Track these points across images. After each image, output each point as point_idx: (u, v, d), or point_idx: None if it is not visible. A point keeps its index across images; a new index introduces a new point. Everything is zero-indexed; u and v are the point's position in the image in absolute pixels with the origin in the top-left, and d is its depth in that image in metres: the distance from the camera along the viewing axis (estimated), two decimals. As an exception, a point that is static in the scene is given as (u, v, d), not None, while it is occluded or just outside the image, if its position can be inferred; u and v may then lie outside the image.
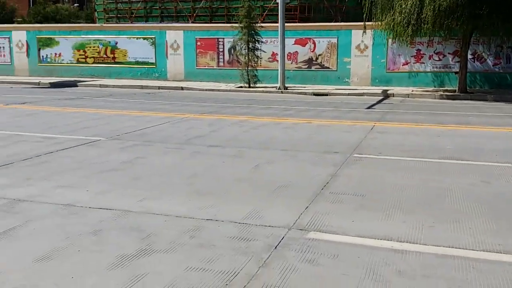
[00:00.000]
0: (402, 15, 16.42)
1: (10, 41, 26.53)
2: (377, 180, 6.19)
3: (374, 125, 10.79)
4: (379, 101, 16.61)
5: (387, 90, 19.45)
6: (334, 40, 21.92)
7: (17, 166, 6.69)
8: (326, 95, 18.99)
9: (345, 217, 4.79)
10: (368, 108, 14.64)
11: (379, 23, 17.80)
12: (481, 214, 4.90)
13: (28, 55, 26.35)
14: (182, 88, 21.29)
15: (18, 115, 12.04)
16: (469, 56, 19.23)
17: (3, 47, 26.67)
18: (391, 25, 17.15)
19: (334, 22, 26.65)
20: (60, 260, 3.73)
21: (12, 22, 45.74)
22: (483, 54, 20.06)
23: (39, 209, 4.89)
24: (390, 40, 20.04)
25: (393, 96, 18.34)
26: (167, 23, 30.31)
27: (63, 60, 25.84)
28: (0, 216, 4.66)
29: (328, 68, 22.16)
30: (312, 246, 4.07)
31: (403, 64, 21.02)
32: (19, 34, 26.53)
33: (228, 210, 4.99)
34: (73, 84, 22.47)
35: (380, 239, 4.22)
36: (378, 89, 19.76)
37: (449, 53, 20.39)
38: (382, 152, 7.85)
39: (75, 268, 3.59)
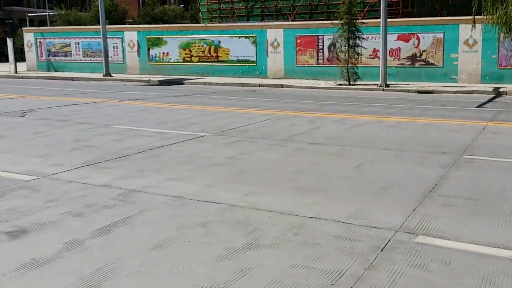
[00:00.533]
0: (516, 7, 15.32)
1: (122, 41, 28.36)
2: (492, 184, 5.81)
3: (486, 125, 10.14)
4: (490, 100, 15.57)
5: (499, 87, 18.17)
6: (440, 35, 20.88)
7: (131, 158, 7.15)
8: (431, 92, 18.16)
9: (457, 222, 4.55)
10: (479, 106, 13.78)
11: (490, 16, 16.71)
12: None
13: (138, 54, 28.00)
14: (282, 86, 21.46)
15: (131, 111, 12.86)
16: None
17: (117, 47, 28.57)
18: (504, 19, 16.08)
19: (440, 16, 25.41)
20: (172, 249, 3.93)
21: (124, 23, 48.86)
22: None
23: (152, 199, 5.19)
24: (502, 35, 18.68)
25: (506, 94, 17.09)
26: (268, 21, 30.71)
27: (170, 59, 27.14)
28: (118, 205, 5.01)
29: (433, 64, 21.17)
30: (421, 251, 3.92)
31: (518, 60, 19.55)
32: (131, 35, 28.26)
33: (332, 208, 4.95)
34: (179, 82, 23.53)
35: (497, 248, 3.96)
36: (488, 87, 18.52)
37: None
38: (496, 154, 7.36)
39: (186, 258, 3.76)
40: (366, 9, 30.06)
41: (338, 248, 3.96)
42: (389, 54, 20.95)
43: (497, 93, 17.28)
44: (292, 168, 6.63)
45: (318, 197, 5.32)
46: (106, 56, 26.25)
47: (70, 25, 45.15)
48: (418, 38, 21.34)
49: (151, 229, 4.36)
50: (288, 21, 30.93)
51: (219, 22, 34.30)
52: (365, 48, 21.25)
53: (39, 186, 5.61)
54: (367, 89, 19.46)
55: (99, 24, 27.06)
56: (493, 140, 8.51)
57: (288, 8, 33.21)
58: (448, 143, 8.22)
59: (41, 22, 61.72)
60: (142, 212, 4.78)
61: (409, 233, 4.29)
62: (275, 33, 24.56)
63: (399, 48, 21.67)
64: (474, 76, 20.35)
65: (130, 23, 51.32)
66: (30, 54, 31.52)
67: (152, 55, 27.61)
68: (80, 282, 3.34)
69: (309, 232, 4.31)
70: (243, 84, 22.16)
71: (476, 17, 17.44)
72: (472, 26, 18.12)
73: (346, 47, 20.57)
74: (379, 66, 19.95)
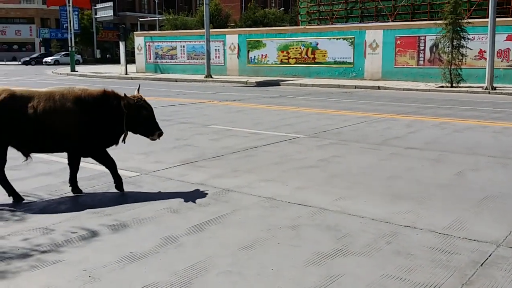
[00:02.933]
0: None
1: (224, 44, 29.28)
2: None
3: None
4: None
5: None
6: (557, 34, 19.21)
7: (227, 158, 7.35)
8: (545, 96, 16.76)
9: None
10: None
11: None
12: None
13: (238, 56, 28.74)
14: (378, 88, 20.93)
15: (229, 111, 13.23)
16: None
17: (218, 50, 29.56)
18: None
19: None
20: (262, 250, 3.98)
21: (226, 27, 50.37)
22: None
23: (244, 199, 5.30)
24: None
25: None
26: (367, 22, 30.10)
27: (268, 61, 27.56)
28: (212, 203, 5.18)
29: (548, 66, 19.53)
30: (526, 268, 3.63)
31: None
32: (232, 38, 29.09)
33: (427, 217, 4.74)
34: (276, 83, 23.79)
35: None
36: None
37: None
38: None
39: (275, 260, 3.80)
40: (473, 8, 28.42)
41: (433, 260, 3.79)
42: (496, 55, 19.67)
43: None
44: (386, 173, 6.44)
45: (413, 205, 5.12)
46: (209, 58, 27.25)
47: (177, 29, 47.42)
48: (532, 38, 19.80)
49: (242, 229, 4.46)
50: (389, 21, 30.08)
51: (318, 24, 34.19)
52: (470, 49, 20.13)
53: (141, 182, 5.95)
54: (471, 92, 18.40)
55: (203, 28, 28.15)
56: None
57: (389, 8, 32.29)
58: None
59: (151, 26, 65.50)
60: (234, 212, 4.90)
61: (513, 248, 4.00)
62: (374, 34, 24.02)
63: (508, 49, 20.27)
64: None
65: (232, 27, 52.82)
66: (140, 56, 33.55)
67: (251, 57, 28.19)
68: (174, 278, 3.50)
69: (402, 242, 4.16)
70: (338, 86, 21.91)
71: None
72: None
73: (450, 48, 19.63)
74: (485, 68, 18.80)
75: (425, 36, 22.46)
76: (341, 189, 5.70)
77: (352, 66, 24.74)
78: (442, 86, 19.82)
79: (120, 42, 32.23)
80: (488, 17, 18.62)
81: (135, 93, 5.55)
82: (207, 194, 5.48)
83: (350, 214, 4.83)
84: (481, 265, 3.71)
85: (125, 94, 5.36)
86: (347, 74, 24.78)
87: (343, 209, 4.98)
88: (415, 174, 6.43)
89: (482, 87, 18.78)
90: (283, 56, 26.94)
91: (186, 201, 5.22)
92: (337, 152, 7.79)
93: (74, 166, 5.44)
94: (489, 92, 18.15)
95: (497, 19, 18.86)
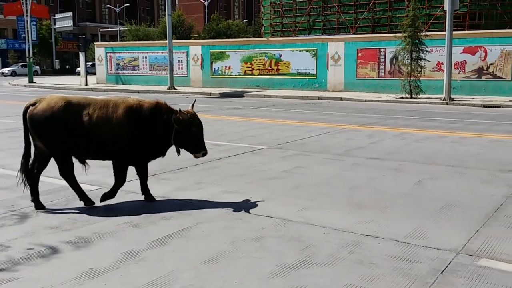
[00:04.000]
0: None
1: (187, 55, 29.17)
2: None
3: (559, 142, 9.56)
4: None
5: None
6: (509, 48, 20.06)
7: (190, 170, 7.29)
8: (499, 107, 17.39)
9: (524, 246, 4.29)
10: (552, 122, 13.03)
11: None
12: None
13: (202, 67, 28.68)
14: (341, 99, 21.25)
15: (190, 123, 13.11)
16: None
17: (181, 61, 29.42)
18: None
19: (509, 28, 24.37)
20: (225, 263, 3.94)
21: (189, 38, 50.22)
22: None
23: (208, 212, 5.25)
24: None
25: None
26: (329, 35, 30.65)
27: (232, 72, 27.61)
28: (175, 216, 5.10)
29: (501, 78, 20.31)
30: (484, 275, 3.72)
31: None
32: (195, 49, 29.03)
33: (389, 226, 4.81)
34: (240, 95, 23.83)
35: None
36: None
37: None
38: None
39: (238, 273, 3.76)
40: (431, 21, 29.34)
41: (395, 269, 3.84)
42: (454, 67, 20.32)
43: None
44: (348, 183, 6.52)
45: (375, 214, 5.19)
46: (172, 69, 27.09)
47: (139, 40, 47.02)
48: (485, 51, 20.57)
49: (205, 242, 4.41)
50: (350, 34, 30.68)
51: (281, 36, 34.56)
52: (429, 61, 20.71)
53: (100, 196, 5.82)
54: (430, 103, 18.90)
55: (166, 39, 28.00)
56: None
57: (350, 21, 32.98)
58: (517, 161, 7.81)
59: (112, 37, 64.71)
60: (197, 225, 4.84)
61: (471, 255, 4.09)
62: (336, 46, 24.43)
63: (464, 61, 20.97)
64: (547, 90, 19.33)
65: (195, 38, 52.75)
66: (100, 67, 33.04)
67: (214, 68, 28.19)
68: (135, 292, 3.42)
69: (364, 251, 4.20)
70: (302, 97, 22.13)
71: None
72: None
73: (409, 60, 20.15)
74: (443, 80, 19.38)
75: (386, 48, 22.99)
76: (305, 200, 5.73)
77: (315, 77, 25.05)
78: (402, 97, 20.29)
79: (80, 53, 31.72)
80: (445, 30, 19.23)
81: (189, 108, 5.55)
82: (170, 207, 5.41)
83: (314, 225, 4.85)
84: (441, 272, 3.77)
85: (180, 109, 5.41)
86: (311, 86, 25.07)
87: (306, 220, 4.99)
88: (377, 183, 6.52)
89: (440, 98, 19.33)
90: (247, 67, 27.05)
91: (148, 214, 5.14)
92: (300, 163, 7.84)
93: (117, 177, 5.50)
94: (447, 103, 18.69)
95: (454, 32, 19.50)
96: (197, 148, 5.57)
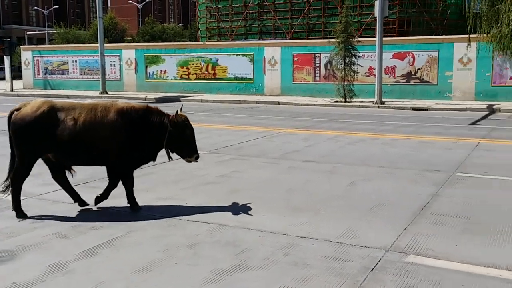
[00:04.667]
0: (510, 27, 15.56)
1: (120, 59, 28.46)
2: (483, 202, 5.77)
3: (479, 143, 10.13)
4: (484, 117, 15.60)
5: (493, 105, 18.26)
6: (435, 54, 21.04)
7: (123, 177, 7.08)
8: (426, 110, 18.19)
9: (448, 241, 4.50)
10: (472, 124, 13.80)
11: (484, 35, 16.99)
12: None
13: (136, 71, 28.08)
14: (278, 103, 21.49)
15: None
16: None
17: (114, 65, 28.66)
18: (498, 38, 16.37)
19: (435, 35, 25.65)
20: (158, 272, 3.86)
21: (123, 41, 49.11)
22: None
23: (140, 220, 5.12)
24: (496, 53, 18.79)
25: (500, 112, 17.15)
26: (266, 39, 30.93)
27: (168, 76, 27.21)
28: (105, 225, 4.94)
29: (428, 82, 21.29)
30: (411, 271, 3.86)
31: (511, 78, 19.68)
32: (129, 53, 28.37)
33: (323, 228, 4.89)
34: (176, 99, 23.54)
35: (487, 267, 3.90)
36: (482, 104, 18.59)
37: None
38: (488, 172, 7.32)
39: (171, 281, 3.69)
40: (362, 28, 30.31)
41: (328, 269, 3.90)
42: (384, 72, 21.06)
43: (491, 111, 17.33)
44: (284, 186, 6.58)
45: (310, 216, 5.27)
46: (104, 73, 26.31)
47: (69, 43, 45.42)
48: (413, 56, 21.49)
49: (137, 250, 4.29)
50: (286, 39, 31.15)
51: (218, 40, 34.53)
52: (361, 66, 21.35)
53: (27, 206, 5.52)
54: (363, 106, 19.49)
55: (97, 42, 27.19)
56: (485, 158, 8.49)
57: (286, 27, 33.49)
58: (442, 161, 8.19)
59: (40, 40, 62.16)
60: (129, 233, 4.71)
61: (399, 252, 4.23)
62: (273, 51, 24.68)
63: (394, 66, 21.80)
64: (468, 94, 20.46)
65: (129, 41, 51.65)
66: (27, 72, 31.57)
67: (149, 72, 27.68)
68: (62, 306, 3.27)
69: (299, 253, 4.25)
70: (239, 101, 22.19)
71: (471, 35, 17.63)
72: (468, 45, 18.33)
73: (343, 65, 20.69)
74: (374, 84, 20.04)
75: (320, 53, 23.49)
76: (241, 204, 5.72)
77: (252, 82, 25.19)
78: (337, 101, 20.80)
79: (5, 56, 30.18)
80: (376, 37, 19.93)
81: (179, 112, 5.44)
82: (100, 216, 5.23)
83: (250, 229, 4.85)
84: (371, 270, 3.88)
85: (177, 112, 5.35)
86: (248, 90, 25.18)
87: (242, 224, 4.99)
88: (312, 186, 6.63)
89: (372, 101, 19.97)
90: (183, 71, 26.78)
91: (77, 224, 4.95)
92: (237, 167, 7.84)
93: (112, 181, 5.43)
94: (378, 106, 19.34)
95: (384, 39, 20.24)
96: (190, 151, 5.51)
